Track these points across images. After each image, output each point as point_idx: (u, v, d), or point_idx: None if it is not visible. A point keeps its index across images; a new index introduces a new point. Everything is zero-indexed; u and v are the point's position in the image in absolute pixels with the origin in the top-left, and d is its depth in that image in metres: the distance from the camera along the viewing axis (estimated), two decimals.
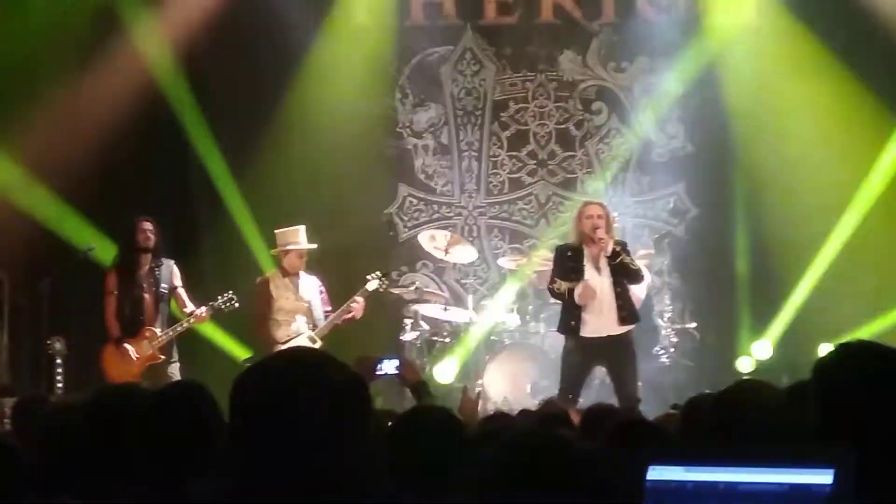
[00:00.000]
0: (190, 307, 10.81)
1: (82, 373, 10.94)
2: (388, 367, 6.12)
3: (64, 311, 11.67)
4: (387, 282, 11.40)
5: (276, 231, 11.29)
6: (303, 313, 11.03)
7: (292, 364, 2.48)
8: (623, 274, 10.06)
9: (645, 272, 10.80)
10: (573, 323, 10.12)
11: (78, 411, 4.06)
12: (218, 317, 11.11)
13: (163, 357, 10.62)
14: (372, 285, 11.16)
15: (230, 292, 10.82)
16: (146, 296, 10.73)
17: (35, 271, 11.74)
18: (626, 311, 10.11)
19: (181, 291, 10.93)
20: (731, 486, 2.18)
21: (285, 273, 11.11)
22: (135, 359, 10.53)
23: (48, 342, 10.63)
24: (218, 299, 10.76)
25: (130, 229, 10.77)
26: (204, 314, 10.74)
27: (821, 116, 12.80)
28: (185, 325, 10.73)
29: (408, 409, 4.93)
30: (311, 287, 11.14)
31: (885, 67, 12.70)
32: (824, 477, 2.11)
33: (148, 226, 10.78)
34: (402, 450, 4.04)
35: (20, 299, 11.70)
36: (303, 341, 10.77)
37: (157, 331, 10.64)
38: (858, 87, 12.69)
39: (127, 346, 10.57)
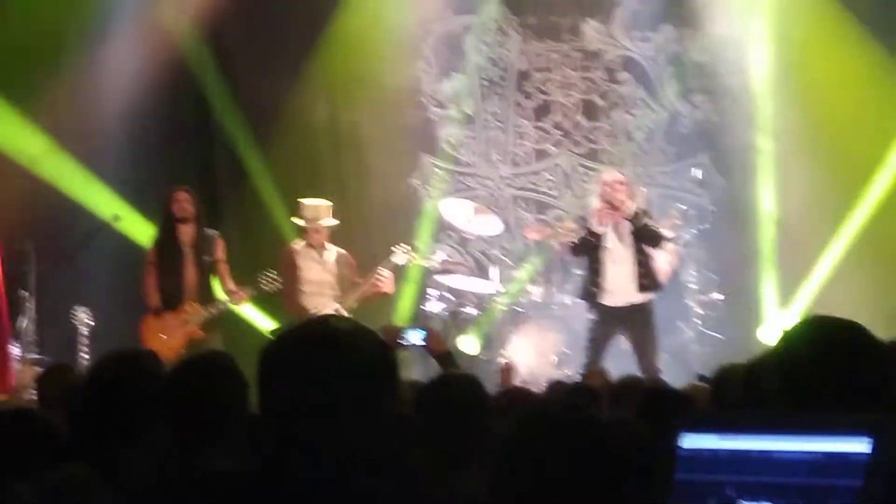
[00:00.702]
0: (230, 283, 10.75)
1: (107, 343, 10.93)
2: (414, 337, 6.09)
3: (90, 282, 11.68)
4: (415, 255, 11.24)
5: (300, 201, 11.18)
6: (329, 286, 10.91)
7: (320, 332, 2.45)
8: (645, 238, 10.11)
9: (669, 245, 10.78)
10: (593, 288, 10.18)
11: (92, 378, 4.04)
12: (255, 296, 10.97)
13: (203, 333, 10.55)
14: (400, 259, 10.94)
15: (273, 271, 10.70)
16: (188, 268, 10.66)
17: (61, 241, 11.75)
18: (647, 278, 10.17)
19: (223, 266, 10.83)
20: (766, 454, 2.15)
21: (310, 244, 11.01)
22: (175, 333, 10.50)
23: (73, 312, 10.63)
24: (260, 278, 10.65)
25: (166, 200, 10.74)
26: (245, 294, 10.66)
27: (847, 85, 12.73)
28: (225, 304, 10.67)
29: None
30: (340, 260, 11.03)
31: None
32: (861, 445, 2.08)
33: (183, 195, 10.70)
34: (430, 416, 4.03)
35: (46, 269, 11.70)
36: (330, 312, 10.73)
37: (199, 306, 10.60)
38: (885, 56, 12.60)
39: (167, 320, 10.55)
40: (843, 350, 3.01)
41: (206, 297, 10.68)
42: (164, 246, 10.70)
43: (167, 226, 10.74)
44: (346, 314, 10.66)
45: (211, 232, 10.85)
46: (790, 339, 3.10)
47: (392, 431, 2.39)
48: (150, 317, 10.63)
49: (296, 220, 11.04)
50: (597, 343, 10.13)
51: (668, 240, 10.47)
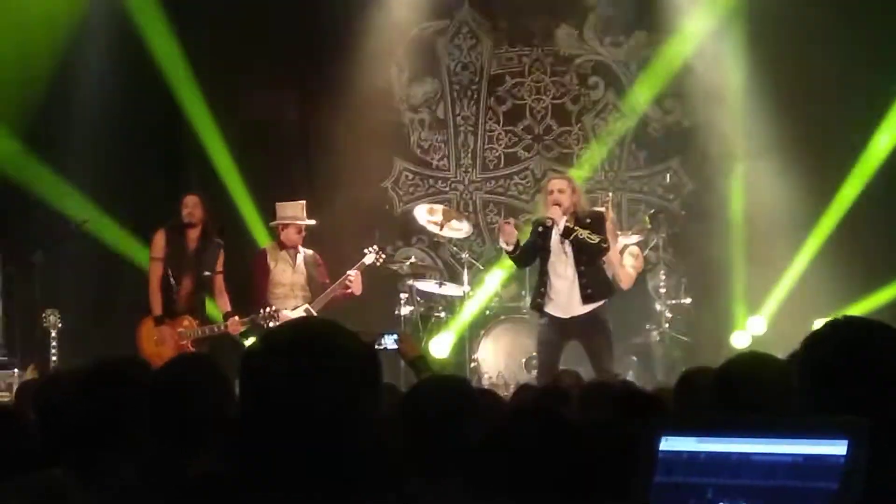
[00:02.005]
0: (226, 302, 10.75)
1: (77, 346, 10.91)
2: (388, 341, 6.11)
3: (58, 284, 11.64)
4: (384, 255, 11.32)
5: (277, 204, 11.22)
6: (300, 287, 11.02)
7: (305, 334, 2.46)
8: (583, 250, 9.84)
9: (633, 249, 10.72)
10: (538, 300, 10.05)
11: (76, 383, 4.03)
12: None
13: (192, 348, 10.47)
14: (368, 259, 11.11)
15: (273, 307, 10.65)
16: (187, 280, 10.67)
17: (29, 244, 11.70)
18: (591, 288, 9.88)
19: (220, 277, 10.83)
20: (745, 457, 2.18)
21: (283, 246, 11.04)
22: (167, 343, 10.48)
23: (42, 315, 10.59)
24: (259, 313, 10.55)
25: (177, 200, 10.74)
26: (239, 325, 10.61)
27: (819, 93, 12.77)
28: (219, 329, 10.63)
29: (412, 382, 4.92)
30: (309, 261, 11.11)
31: (886, 35, 12.60)
32: (838, 448, 2.11)
33: (191, 200, 10.69)
34: (415, 419, 4.03)
35: (13, 271, 11.65)
36: (300, 312, 10.78)
37: (196, 323, 10.60)
38: (857, 59, 12.64)
39: (162, 329, 10.53)
40: (873, 351, 2.99)
41: (201, 310, 10.71)
42: (171, 254, 10.67)
43: (175, 233, 10.71)
44: (315, 314, 10.72)
45: (217, 241, 10.83)
46: (818, 340, 3.07)
47: (373, 434, 2.40)
48: (149, 322, 10.62)
49: (278, 221, 11.06)
50: (549, 350, 9.98)
51: (607, 248, 10.15)
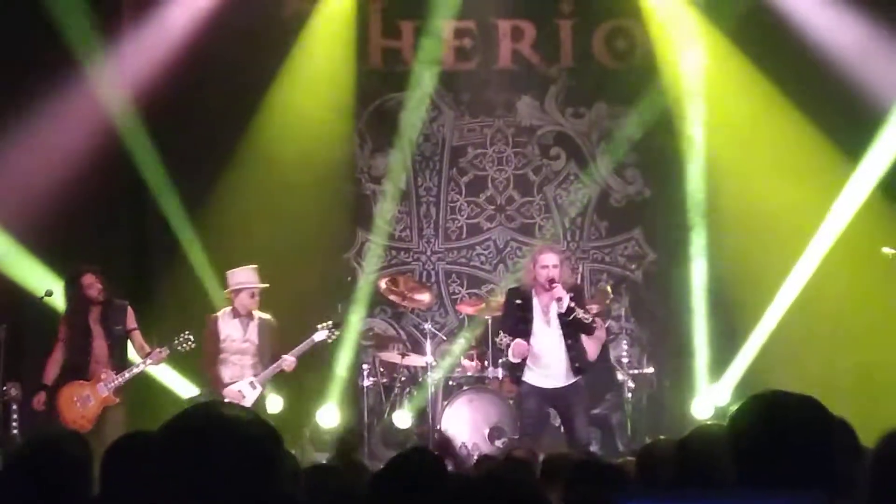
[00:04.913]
0: (146, 348, 10.73)
1: (39, 418, 10.83)
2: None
3: (20, 357, 11.55)
4: (336, 332, 11.23)
5: (227, 272, 11.22)
6: (250, 355, 10.98)
7: (206, 421, 2.47)
8: (576, 328, 9.96)
9: (598, 322, 10.80)
10: (518, 374, 10.07)
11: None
12: (171, 356, 10.97)
13: (117, 399, 10.51)
14: (319, 336, 11.04)
15: (187, 332, 10.71)
16: (99, 340, 10.64)
17: None
18: (579, 361, 10.00)
19: (137, 333, 10.84)
20: None
21: (236, 314, 11.02)
22: (90, 403, 10.44)
23: (4, 388, 10.53)
24: (175, 339, 10.66)
25: (75, 280, 10.66)
26: (161, 354, 10.65)
27: (777, 159, 12.89)
28: (142, 366, 10.63)
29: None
30: (264, 327, 11.08)
31: (837, 111, 12.75)
32: None
33: (89, 280, 10.62)
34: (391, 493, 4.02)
35: None
36: (245, 385, 10.80)
37: (113, 373, 10.54)
38: (813, 130, 12.78)
39: (82, 389, 10.48)
40: (795, 425, 3.02)
41: (122, 364, 10.66)
42: (74, 323, 10.64)
43: (76, 305, 10.66)
44: (258, 388, 10.71)
45: (119, 302, 10.80)
46: (742, 415, 3.10)
47: None
48: (67, 386, 10.54)
49: (233, 287, 11.04)
50: (532, 419, 10.04)
51: (597, 327, 10.25)
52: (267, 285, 11.13)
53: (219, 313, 11.13)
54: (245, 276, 11.07)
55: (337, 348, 12.48)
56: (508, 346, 9.89)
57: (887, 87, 12.60)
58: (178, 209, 12.89)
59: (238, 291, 11.01)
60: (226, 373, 10.88)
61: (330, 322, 11.17)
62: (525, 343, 9.87)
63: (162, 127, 12.98)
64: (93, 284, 10.62)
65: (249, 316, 11.00)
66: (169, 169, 12.90)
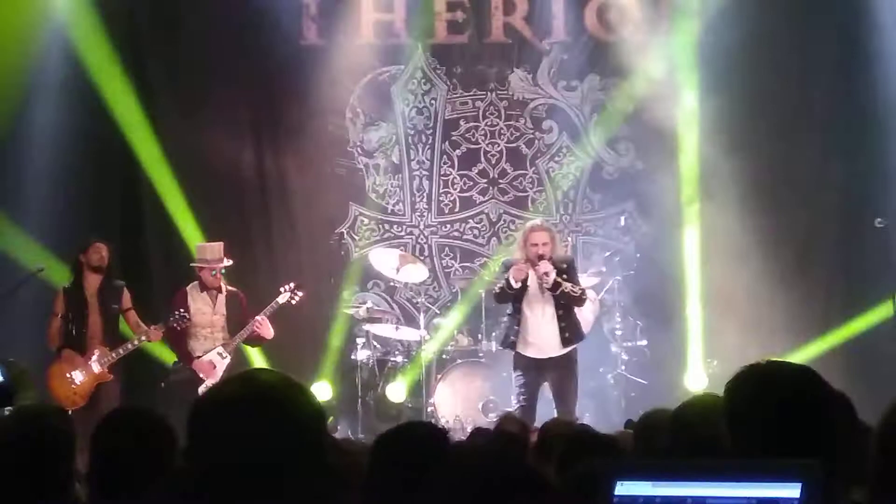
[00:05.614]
0: (141, 326, 10.74)
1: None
2: None
3: (12, 333, 11.55)
4: (298, 294, 11.17)
5: (196, 245, 11.38)
6: (220, 328, 11.03)
7: (251, 390, 2.45)
8: (565, 299, 10.16)
9: (591, 294, 10.87)
10: (511, 338, 10.22)
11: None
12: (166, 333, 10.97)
13: (111, 376, 10.54)
14: (282, 298, 11.04)
15: (182, 309, 10.74)
16: (96, 316, 10.67)
17: None
18: (570, 331, 10.22)
19: (132, 313, 10.87)
20: (700, 501, 2.19)
21: (204, 287, 11.06)
22: (83, 378, 10.46)
23: (11, 360, 10.52)
24: (171, 317, 10.67)
25: (83, 248, 10.71)
26: (157, 332, 10.65)
27: (771, 129, 12.96)
28: (137, 342, 10.64)
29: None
30: (231, 301, 11.09)
31: (833, 79, 12.75)
32: (792, 491, 2.12)
33: (102, 246, 10.74)
34: (387, 464, 4.02)
35: None
36: (214, 355, 10.84)
37: (107, 349, 10.55)
38: (811, 93, 12.85)
39: (75, 364, 10.48)
40: (791, 395, 3.02)
41: (115, 342, 10.70)
42: (71, 294, 10.71)
43: (76, 274, 10.76)
44: (227, 357, 10.73)
45: (118, 283, 10.86)
46: (737, 385, 3.11)
47: (332, 485, 2.40)
48: (57, 364, 10.56)
49: (196, 263, 11.07)
50: (528, 391, 10.17)
51: (586, 298, 10.49)
52: (230, 263, 11.14)
53: (187, 287, 11.15)
54: (209, 253, 11.07)
55: (330, 322, 12.48)
56: (506, 281, 10.15)
57: None
58: (172, 186, 12.85)
59: (201, 268, 11.04)
60: (196, 346, 10.96)
61: (292, 284, 11.16)
62: (524, 266, 10.09)
63: (154, 104, 12.98)
64: (99, 252, 10.67)
65: (218, 289, 11.04)
66: (161, 146, 12.89)
